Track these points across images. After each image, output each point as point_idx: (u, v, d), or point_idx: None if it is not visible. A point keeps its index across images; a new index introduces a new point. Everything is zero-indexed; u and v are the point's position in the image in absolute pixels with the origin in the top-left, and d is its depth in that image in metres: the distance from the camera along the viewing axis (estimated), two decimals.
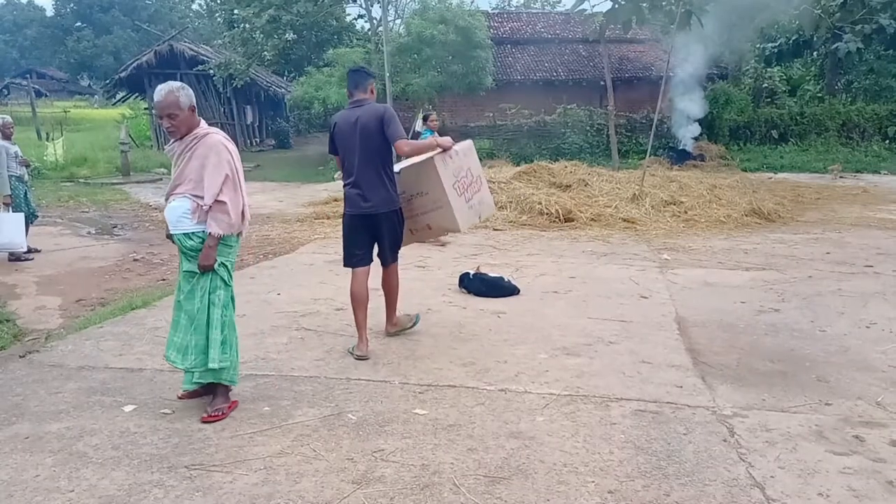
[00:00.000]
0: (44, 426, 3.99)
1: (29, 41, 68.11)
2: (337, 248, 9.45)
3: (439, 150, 5.24)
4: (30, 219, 9.46)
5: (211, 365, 4.05)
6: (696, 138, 21.98)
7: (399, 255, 5.63)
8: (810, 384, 4.66)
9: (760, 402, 4.35)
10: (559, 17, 30.15)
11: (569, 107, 22.30)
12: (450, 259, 8.79)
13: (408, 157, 5.35)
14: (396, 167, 5.34)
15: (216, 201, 3.97)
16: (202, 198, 3.97)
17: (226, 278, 4.18)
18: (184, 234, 4.04)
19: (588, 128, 22.07)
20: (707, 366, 5.02)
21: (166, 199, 4.14)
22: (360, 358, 5.10)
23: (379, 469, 3.49)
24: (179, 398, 4.33)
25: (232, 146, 4.17)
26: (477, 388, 4.57)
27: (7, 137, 9.24)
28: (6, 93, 52.49)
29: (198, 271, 4.06)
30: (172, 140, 4.08)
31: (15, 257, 9.10)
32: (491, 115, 22.18)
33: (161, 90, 4.00)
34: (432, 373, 4.84)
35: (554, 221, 11.33)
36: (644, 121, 22.26)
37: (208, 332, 4.08)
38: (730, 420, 4.07)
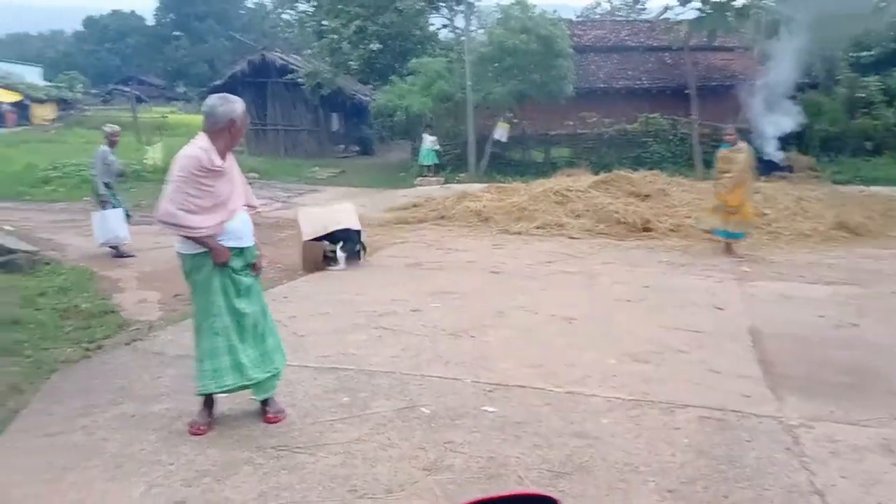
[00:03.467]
0: (147, 407, 4.40)
1: (130, 49, 71.84)
2: (415, 252, 9.81)
3: None
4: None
5: (282, 366, 4.28)
6: (784, 149, 21.38)
7: (470, 261, 5.82)
8: (882, 399, 4.63)
9: (828, 413, 4.37)
10: (644, 25, 29.83)
11: (651, 116, 22.06)
12: (523, 265, 8.96)
13: None
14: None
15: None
16: (253, 206, 4.23)
17: None
18: (253, 244, 4.18)
19: (671, 137, 21.77)
20: (777, 377, 5.03)
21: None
22: None
23: (448, 458, 3.72)
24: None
25: None
26: (544, 389, 4.74)
27: (112, 145, 9.94)
28: (110, 98, 55.63)
29: (254, 277, 4.18)
30: (222, 155, 3.96)
31: (118, 254, 9.80)
32: (571, 123, 22.18)
33: (240, 103, 4.03)
34: (502, 373, 5.04)
35: (631, 231, 11.34)
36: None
37: (274, 334, 4.30)
38: (795, 430, 4.11)
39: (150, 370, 5.07)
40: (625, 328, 6.24)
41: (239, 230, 4.03)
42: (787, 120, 21.38)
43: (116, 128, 10.17)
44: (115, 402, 4.46)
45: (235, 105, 3.96)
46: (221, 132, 3.91)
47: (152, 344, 5.73)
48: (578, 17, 41.64)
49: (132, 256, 9.88)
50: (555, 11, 23.58)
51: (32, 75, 51.93)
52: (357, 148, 29.55)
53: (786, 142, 21.53)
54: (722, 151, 9.96)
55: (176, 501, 3.31)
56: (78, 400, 4.51)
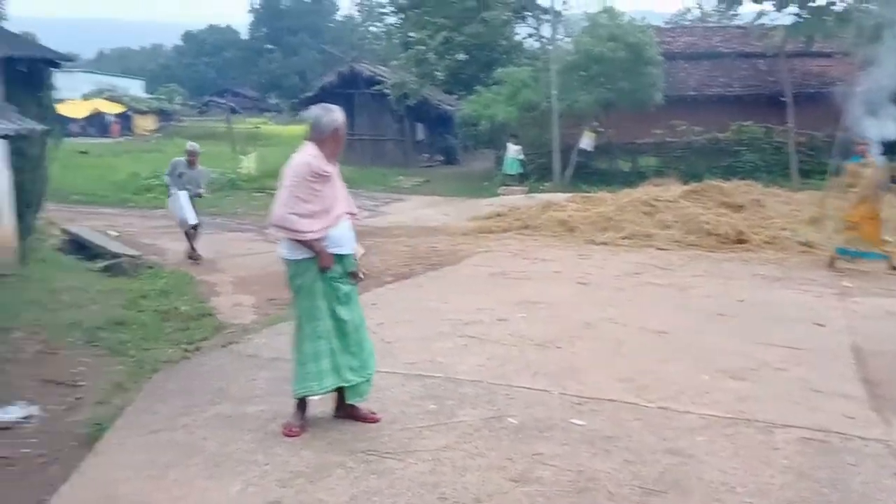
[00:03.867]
0: (243, 407, 4.55)
1: (226, 62, 74.71)
2: (500, 262, 9.80)
3: None
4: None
5: (373, 371, 4.35)
6: (889, 159, 20.30)
7: (556, 271, 5.77)
8: None
9: None
10: (737, 31, 28.96)
11: (744, 124, 21.37)
12: (611, 277, 8.81)
13: None
14: None
15: None
16: (353, 214, 4.33)
17: None
18: (353, 252, 4.29)
19: (765, 146, 21.03)
20: (882, 398, 4.77)
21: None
22: None
23: (537, 470, 3.69)
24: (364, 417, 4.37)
25: None
26: (636, 403, 4.65)
27: (191, 164, 10.42)
28: (206, 109, 58.05)
29: (353, 285, 4.25)
30: (329, 162, 4.09)
31: (191, 257, 10.23)
32: (660, 131, 21.72)
33: (340, 111, 4.18)
34: (590, 386, 4.97)
35: (724, 243, 10.99)
36: (828, 139, 20.87)
37: (369, 340, 4.37)
38: None
39: (246, 372, 5.24)
40: (718, 343, 6.04)
41: (340, 237, 4.14)
42: (891, 127, 20.29)
43: (195, 148, 10.74)
44: (213, 403, 4.63)
45: (337, 115, 4.14)
46: (326, 141, 4.09)
47: (247, 347, 5.93)
48: (667, 23, 40.83)
49: (198, 259, 10.32)
50: (643, 18, 23.19)
51: (135, 88, 54.78)
52: (441, 157, 29.81)
53: (890, 150, 20.46)
54: (851, 164, 9.51)
55: (271, 501, 3.40)
56: (179, 399, 4.70)
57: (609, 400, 4.70)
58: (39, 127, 5.52)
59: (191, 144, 10.80)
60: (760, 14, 20.61)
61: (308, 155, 4.03)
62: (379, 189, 21.15)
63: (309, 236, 3.97)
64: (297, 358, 4.15)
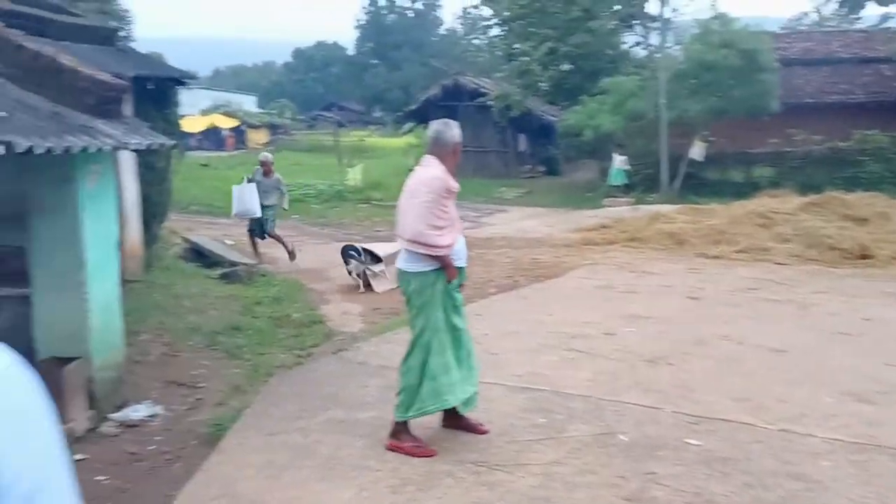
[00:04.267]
0: (355, 413, 4.65)
1: (333, 77, 77.17)
2: (606, 275, 9.62)
3: None
4: (261, 235, 11.11)
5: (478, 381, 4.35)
6: None
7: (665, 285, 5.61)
8: None
9: None
10: (858, 35, 27.44)
11: (868, 132, 20.17)
12: (724, 292, 8.48)
13: None
14: None
15: None
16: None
17: None
18: (465, 265, 4.38)
19: (891, 156, 19.76)
20: None
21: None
22: None
23: (651, 490, 3.58)
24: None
25: None
26: (754, 424, 4.44)
27: (266, 174, 10.92)
28: (314, 123, 60.09)
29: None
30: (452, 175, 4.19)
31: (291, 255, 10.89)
32: (775, 141, 20.81)
33: (458, 127, 4.30)
34: (705, 405, 4.78)
35: (846, 258, 10.37)
36: None
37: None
38: None
39: (356, 379, 5.35)
40: (842, 363, 5.70)
41: (460, 250, 4.21)
42: None
43: (268, 158, 11.44)
44: (326, 408, 4.75)
45: (456, 130, 4.26)
46: (447, 155, 4.18)
47: (356, 354, 6.05)
48: (783, 29, 39.13)
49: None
50: (758, 24, 22.34)
51: (248, 103, 57.38)
52: (543, 168, 29.62)
53: None
54: None
55: None
56: (293, 403, 4.86)
57: (725, 420, 4.51)
58: (169, 142, 5.85)
59: (264, 154, 11.43)
60: (885, 17, 19.44)
61: (438, 170, 4.11)
62: (481, 200, 21.22)
63: (444, 251, 4.02)
64: (423, 373, 4.06)
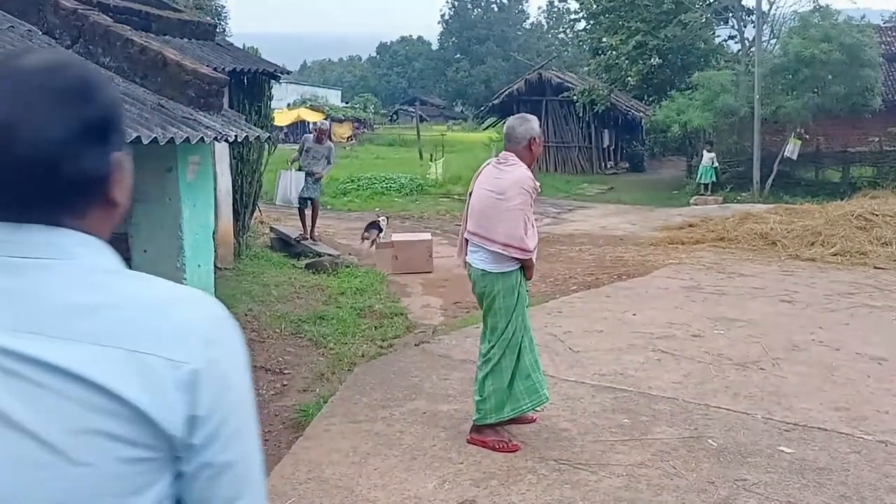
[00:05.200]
0: (437, 405, 4.68)
1: (416, 72, 77.81)
2: (693, 275, 9.36)
3: None
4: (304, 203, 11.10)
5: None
6: None
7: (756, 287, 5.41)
8: None
9: None
10: None
11: None
12: (820, 295, 8.13)
13: None
14: None
15: None
16: None
17: None
18: None
19: None
20: None
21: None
22: None
23: (741, 498, 3.47)
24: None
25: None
26: (851, 434, 4.24)
27: (318, 140, 11.13)
28: (396, 118, 60.77)
29: None
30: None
31: (303, 238, 11.15)
32: (876, 139, 19.80)
33: (535, 121, 4.18)
34: (799, 412, 4.60)
35: None
36: None
37: None
38: None
39: (438, 371, 5.39)
40: None
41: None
42: None
43: (324, 125, 11.73)
44: (409, 398, 4.81)
45: (533, 124, 4.12)
46: (524, 151, 4.07)
47: (437, 347, 6.09)
48: (886, 22, 37.13)
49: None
50: (862, 17, 21.27)
51: (333, 97, 58.49)
52: (626, 164, 29.08)
53: None
54: None
55: (466, 499, 3.46)
56: (377, 392, 4.93)
57: (820, 429, 4.33)
58: (264, 134, 6.03)
59: (321, 121, 11.56)
60: None
61: (526, 170, 4.03)
62: (562, 196, 21.00)
63: (531, 254, 3.99)
64: (515, 373, 4.00)
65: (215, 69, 5.82)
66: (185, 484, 0.89)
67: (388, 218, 12.47)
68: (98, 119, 0.89)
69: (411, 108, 57.29)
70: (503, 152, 4.16)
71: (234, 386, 0.91)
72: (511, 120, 4.22)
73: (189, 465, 0.88)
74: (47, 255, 0.86)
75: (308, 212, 11.24)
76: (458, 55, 70.46)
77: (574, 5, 29.36)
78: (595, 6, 25.30)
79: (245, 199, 9.88)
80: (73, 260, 0.87)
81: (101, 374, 0.82)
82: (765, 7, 20.18)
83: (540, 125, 4.23)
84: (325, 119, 48.77)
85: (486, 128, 36.73)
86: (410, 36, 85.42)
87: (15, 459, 0.81)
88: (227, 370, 0.90)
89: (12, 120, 0.83)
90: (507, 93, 29.56)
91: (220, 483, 0.89)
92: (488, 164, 4.23)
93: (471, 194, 4.20)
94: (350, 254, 11.28)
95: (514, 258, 3.95)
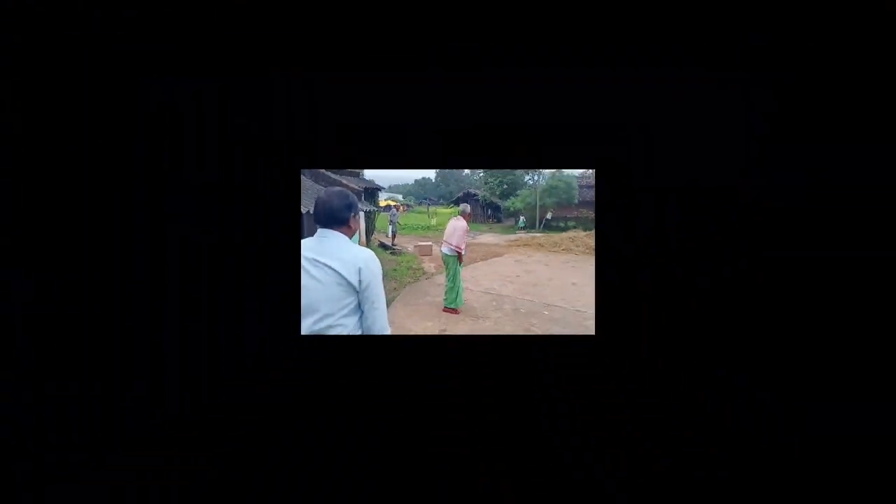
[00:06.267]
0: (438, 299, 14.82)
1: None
2: (520, 258, 18.21)
3: None
4: None
5: None
6: None
7: (544, 263, 14.54)
8: None
9: None
10: None
11: None
12: (555, 264, 13.67)
13: None
14: None
15: None
16: None
17: None
18: None
19: None
20: None
21: None
22: None
23: (533, 330, 8.95)
24: None
25: None
26: (563, 307, 8.33)
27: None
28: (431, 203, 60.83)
29: None
30: None
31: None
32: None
33: None
34: (546, 297, 12.15)
35: None
36: None
37: None
38: None
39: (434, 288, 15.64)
40: None
41: None
42: None
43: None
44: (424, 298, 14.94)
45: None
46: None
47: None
48: None
49: None
50: None
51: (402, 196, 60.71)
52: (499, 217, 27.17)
53: None
54: None
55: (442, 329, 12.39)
56: (410, 296, 14.58)
57: (554, 305, 8.59)
58: (374, 209, 14.90)
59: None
60: None
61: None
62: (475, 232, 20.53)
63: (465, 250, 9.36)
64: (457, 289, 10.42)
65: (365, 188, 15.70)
66: (359, 296, 4.10)
67: None
68: (349, 203, 4.28)
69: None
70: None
71: (374, 275, 4.10)
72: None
73: (361, 294, 4.09)
74: (329, 237, 4.22)
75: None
76: None
77: None
78: None
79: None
80: (338, 239, 4.21)
81: (341, 269, 4.13)
82: None
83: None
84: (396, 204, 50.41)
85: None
86: None
87: (325, 282, 4.12)
88: (373, 269, 4.14)
89: (330, 200, 4.28)
90: None
91: (368, 297, 4.11)
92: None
93: None
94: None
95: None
